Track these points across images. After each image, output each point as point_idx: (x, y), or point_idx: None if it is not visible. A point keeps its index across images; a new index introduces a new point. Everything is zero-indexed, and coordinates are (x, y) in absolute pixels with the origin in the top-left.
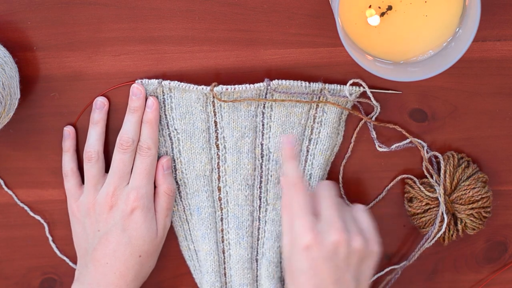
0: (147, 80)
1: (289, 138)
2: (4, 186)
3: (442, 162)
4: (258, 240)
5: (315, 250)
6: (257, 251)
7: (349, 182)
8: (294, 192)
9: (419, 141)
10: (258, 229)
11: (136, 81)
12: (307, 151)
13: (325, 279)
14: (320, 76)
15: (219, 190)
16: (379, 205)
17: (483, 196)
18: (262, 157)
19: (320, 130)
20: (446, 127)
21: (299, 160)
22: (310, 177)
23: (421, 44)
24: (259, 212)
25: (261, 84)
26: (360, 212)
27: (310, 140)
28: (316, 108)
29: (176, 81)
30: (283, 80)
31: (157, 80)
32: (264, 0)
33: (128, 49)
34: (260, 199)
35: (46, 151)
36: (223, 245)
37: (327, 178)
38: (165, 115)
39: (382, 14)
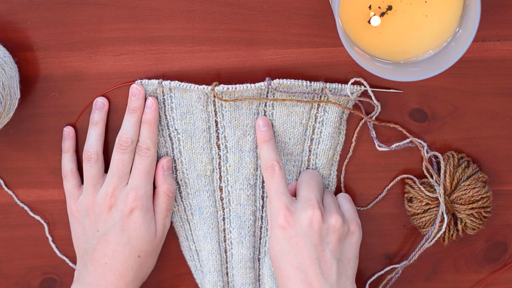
0: (147, 80)
1: (262, 121)
2: (4, 186)
3: (442, 162)
4: (260, 239)
5: (291, 228)
6: (259, 250)
7: (349, 182)
8: (270, 174)
9: (419, 141)
10: (261, 228)
11: (136, 81)
12: (309, 151)
13: (305, 258)
14: (320, 76)
15: (221, 190)
16: (379, 205)
17: (483, 196)
18: None
19: (321, 129)
20: (446, 127)
21: (273, 142)
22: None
23: (421, 44)
24: (262, 211)
25: (262, 83)
26: (342, 198)
27: (312, 140)
28: (317, 108)
29: (176, 81)
30: (284, 79)
31: (157, 81)
32: (264, 0)
33: (128, 49)
34: (262, 199)
35: (46, 151)
36: (225, 244)
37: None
38: (165, 115)
39: (382, 14)
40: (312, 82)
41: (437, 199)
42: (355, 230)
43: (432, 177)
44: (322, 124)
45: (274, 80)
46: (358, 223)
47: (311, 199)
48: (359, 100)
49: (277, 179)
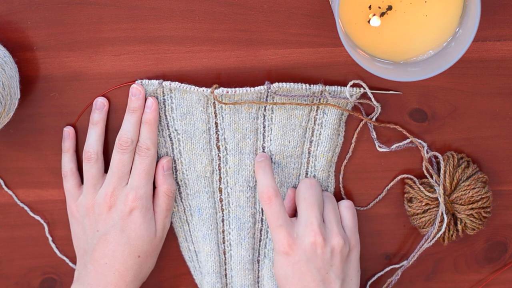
0: (147, 80)
1: (262, 154)
2: (4, 186)
3: (442, 162)
4: (260, 241)
5: (294, 255)
6: (258, 252)
7: (349, 182)
8: (266, 203)
9: (419, 141)
10: (261, 230)
11: (136, 82)
12: (309, 153)
13: (309, 281)
14: (320, 76)
15: (220, 191)
16: (379, 205)
17: (483, 196)
18: None
19: (320, 131)
20: (446, 127)
21: (270, 169)
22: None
23: (421, 44)
24: (261, 214)
25: (262, 87)
26: (344, 208)
27: (311, 142)
28: (317, 110)
29: (176, 82)
30: (284, 83)
31: (157, 81)
32: (264, 0)
33: (128, 49)
34: None
35: (46, 151)
36: (224, 246)
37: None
38: (165, 115)
39: (382, 14)
40: (312, 85)
41: (437, 199)
42: (355, 246)
43: (432, 177)
44: (321, 126)
45: (274, 84)
46: (357, 237)
47: (312, 223)
48: (358, 102)
49: (275, 208)
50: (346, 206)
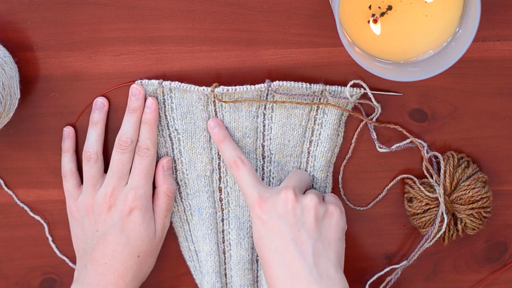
0: (147, 80)
1: (212, 123)
2: (4, 186)
3: (442, 162)
4: None
5: (265, 212)
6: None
7: (349, 182)
8: (235, 171)
9: (419, 141)
10: None
11: (136, 82)
12: (308, 152)
13: (282, 239)
14: (320, 75)
15: (220, 190)
16: (379, 205)
17: (483, 196)
18: (263, 158)
19: (320, 131)
20: (446, 127)
21: (230, 139)
22: (313, 179)
23: (421, 44)
24: None
25: (262, 85)
26: (327, 194)
27: (310, 141)
28: (317, 110)
29: (177, 82)
30: (284, 82)
31: (157, 81)
32: (264, 0)
33: (128, 49)
34: None
35: (46, 151)
36: (223, 245)
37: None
38: (165, 115)
39: (382, 14)
40: (312, 84)
41: (437, 199)
42: (334, 211)
43: (432, 177)
44: (321, 126)
45: (274, 82)
46: (338, 206)
47: (286, 185)
48: (358, 102)
49: (243, 172)
50: (328, 194)
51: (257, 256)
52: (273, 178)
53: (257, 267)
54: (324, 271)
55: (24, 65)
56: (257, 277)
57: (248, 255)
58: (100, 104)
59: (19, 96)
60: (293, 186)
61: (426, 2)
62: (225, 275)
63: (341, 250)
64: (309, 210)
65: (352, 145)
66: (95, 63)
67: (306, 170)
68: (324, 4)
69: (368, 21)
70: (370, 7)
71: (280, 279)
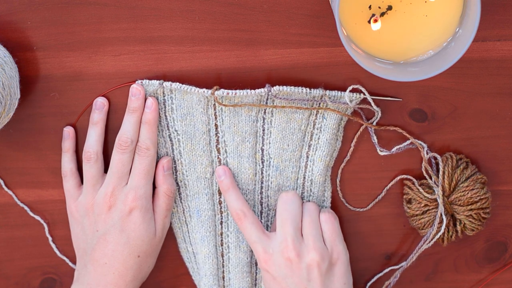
0: (147, 80)
1: (220, 171)
2: (4, 186)
3: (440, 163)
4: None
5: (272, 271)
6: None
7: (349, 182)
8: (239, 223)
9: (420, 142)
10: None
11: (137, 82)
12: (307, 157)
13: None
14: (320, 76)
15: (220, 193)
16: (379, 205)
17: (482, 197)
18: (262, 162)
19: (319, 136)
20: (446, 127)
21: (236, 188)
22: (311, 183)
23: (421, 44)
24: (261, 217)
25: (262, 90)
26: (322, 222)
27: (309, 146)
28: (316, 114)
29: (177, 83)
30: (284, 87)
31: (157, 81)
32: (264, 0)
33: (128, 49)
34: (261, 205)
35: (46, 151)
36: (222, 248)
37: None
38: (166, 116)
39: (382, 14)
40: (312, 90)
41: (436, 200)
42: (339, 256)
43: (431, 178)
44: (320, 130)
45: (274, 87)
46: (340, 249)
47: (285, 239)
48: (358, 107)
49: (246, 226)
50: (324, 219)
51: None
52: (271, 183)
53: (256, 270)
54: None
55: (24, 65)
56: (256, 280)
57: (247, 258)
58: (100, 104)
59: (19, 96)
60: (293, 240)
61: (426, 2)
62: (223, 278)
63: (350, 285)
64: (312, 268)
65: (351, 148)
66: (95, 63)
67: (304, 175)
68: (324, 4)
69: (369, 21)
70: (370, 7)
71: None
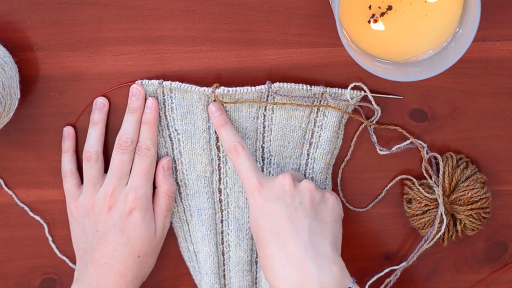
0: (147, 80)
1: (214, 107)
2: (4, 186)
3: (441, 163)
4: None
5: (263, 195)
6: (256, 253)
7: (349, 182)
8: (234, 156)
9: (420, 142)
10: None
11: (136, 82)
12: (308, 155)
13: (278, 218)
14: (320, 76)
15: (220, 192)
16: (379, 205)
17: (482, 197)
18: (263, 160)
19: (320, 133)
20: (446, 127)
21: (230, 125)
22: (312, 181)
23: (421, 44)
24: None
25: (263, 86)
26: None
27: (310, 143)
28: (317, 112)
29: (177, 82)
30: (285, 83)
31: (157, 81)
32: (264, 0)
33: (128, 49)
34: None
35: (46, 151)
36: (222, 247)
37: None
38: (165, 116)
39: (382, 14)
40: (313, 87)
41: (436, 200)
42: (330, 197)
43: (431, 178)
44: (321, 128)
45: (275, 84)
46: (333, 194)
47: (283, 174)
48: (359, 105)
49: (243, 158)
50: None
51: (256, 257)
52: None
53: (256, 268)
54: (320, 248)
55: (24, 65)
56: (256, 278)
57: (247, 257)
58: (100, 104)
59: (19, 96)
60: (289, 173)
61: (426, 2)
62: (224, 276)
63: (338, 232)
64: (305, 192)
65: (352, 147)
66: (95, 63)
67: (305, 173)
68: (324, 4)
69: (369, 21)
70: (370, 7)
71: (275, 258)
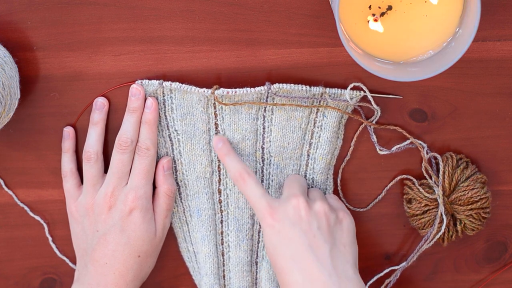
0: (147, 80)
1: (216, 140)
2: (4, 186)
3: (441, 163)
4: (258, 243)
5: (278, 222)
6: (257, 254)
7: (349, 182)
8: (241, 184)
9: (419, 142)
10: (259, 232)
11: (136, 82)
12: (308, 155)
13: (297, 246)
14: (320, 76)
15: (220, 192)
16: (379, 205)
17: (482, 197)
18: (263, 160)
19: (320, 134)
20: (446, 127)
21: (234, 153)
22: (313, 181)
23: (421, 44)
24: None
25: (262, 87)
26: (328, 196)
27: (310, 144)
28: (317, 112)
29: (177, 83)
30: (284, 84)
31: (157, 81)
32: (264, 0)
33: (128, 49)
34: None
35: (46, 151)
36: (222, 247)
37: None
38: (165, 116)
39: (382, 14)
40: (312, 87)
41: (436, 200)
42: (344, 217)
43: (431, 178)
44: (321, 128)
45: (274, 85)
46: (346, 211)
47: (294, 192)
48: (358, 105)
49: (250, 185)
50: (330, 196)
51: (256, 258)
52: (272, 181)
53: (256, 269)
54: (343, 273)
55: (24, 65)
56: (256, 279)
57: (247, 257)
58: (100, 104)
59: (19, 96)
60: (301, 192)
61: (426, 2)
62: (224, 277)
63: (356, 251)
64: (321, 216)
65: (351, 147)
66: (95, 63)
67: (305, 173)
68: (324, 4)
69: (368, 21)
70: (370, 7)
71: (299, 284)
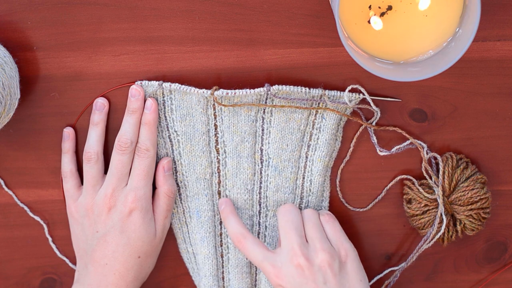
0: (147, 81)
1: (222, 200)
2: (4, 186)
3: (440, 163)
4: None
5: (285, 283)
6: None
7: (349, 182)
8: (241, 247)
9: (419, 142)
10: (258, 234)
11: (136, 83)
12: (306, 157)
13: None
14: (320, 76)
15: (219, 194)
16: (378, 205)
17: (482, 197)
18: (261, 162)
19: (318, 136)
20: (446, 127)
21: (235, 214)
22: (311, 183)
23: (421, 44)
24: (259, 217)
25: (262, 89)
26: (324, 223)
27: (309, 146)
28: (316, 114)
29: (177, 84)
30: (283, 86)
31: (157, 82)
32: (264, 0)
33: (128, 49)
34: (260, 205)
35: (46, 151)
36: (221, 249)
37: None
38: (165, 117)
39: (382, 14)
40: (311, 89)
41: (436, 200)
42: (348, 255)
43: (431, 178)
44: (320, 130)
45: (273, 86)
46: (347, 246)
47: (292, 248)
48: (358, 107)
49: (248, 247)
50: (325, 220)
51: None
52: (270, 183)
53: (256, 270)
54: None
55: (24, 65)
56: (255, 281)
57: (246, 259)
58: (100, 105)
59: (19, 96)
60: (300, 247)
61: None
62: (223, 278)
63: (365, 278)
64: (325, 269)
65: (351, 148)
66: (95, 63)
67: (304, 175)
68: (324, 4)
69: (368, 21)
70: (370, 7)
71: None
